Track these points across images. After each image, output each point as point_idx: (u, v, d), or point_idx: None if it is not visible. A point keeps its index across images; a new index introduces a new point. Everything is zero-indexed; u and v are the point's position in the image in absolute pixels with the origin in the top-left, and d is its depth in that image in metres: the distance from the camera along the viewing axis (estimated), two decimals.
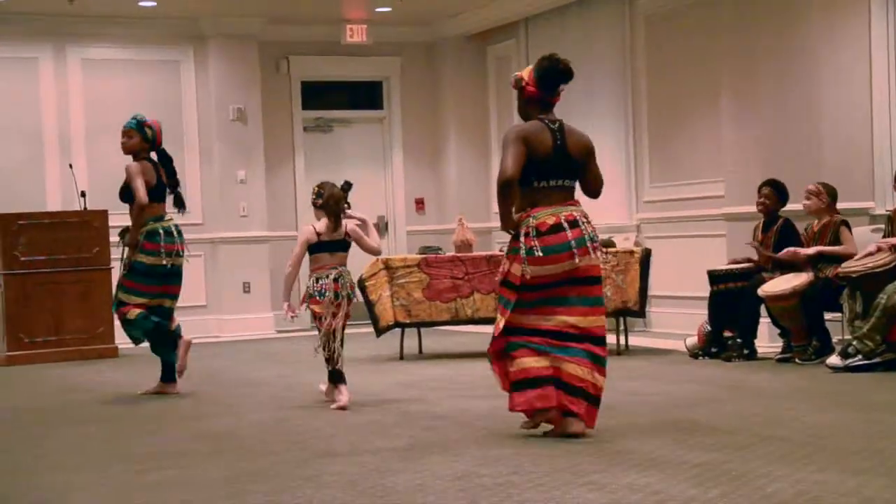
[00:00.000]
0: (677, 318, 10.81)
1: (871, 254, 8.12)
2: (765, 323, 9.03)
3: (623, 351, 9.77)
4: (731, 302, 8.98)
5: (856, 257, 8.24)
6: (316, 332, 7.34)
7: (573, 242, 5.67)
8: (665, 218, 11.45)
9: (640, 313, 9.97)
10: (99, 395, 8.38)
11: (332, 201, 7.23)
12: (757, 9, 9.86)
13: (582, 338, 5.70)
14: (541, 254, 5.63)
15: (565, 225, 5.69)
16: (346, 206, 7.32)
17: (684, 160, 11.25)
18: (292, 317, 7.32)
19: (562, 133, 5.90)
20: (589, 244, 5.71)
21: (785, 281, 8.57)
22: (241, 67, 13.50)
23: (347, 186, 7.44)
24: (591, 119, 12.45)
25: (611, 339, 10.07)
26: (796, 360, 8.54)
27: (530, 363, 5.69)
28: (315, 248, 7.25)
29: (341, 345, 7.26)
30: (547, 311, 5.72)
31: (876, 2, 9.70)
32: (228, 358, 10.67)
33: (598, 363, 5.73)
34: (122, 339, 11.52)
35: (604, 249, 6.00)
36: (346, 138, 14.46)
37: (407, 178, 14.49)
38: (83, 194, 11.18)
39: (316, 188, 7.38)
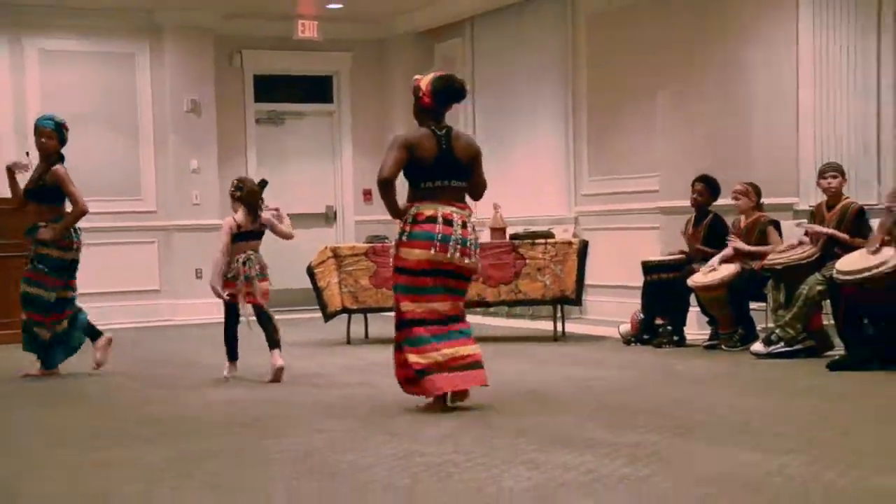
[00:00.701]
0: (612, 307, 10.88)
1: (793, 247, 8.22)
2: (694, 311, 9.09)
3: (560, 337, 9.81)
4: (663, 291, 9.04)
5: (779, 250, 8.33)
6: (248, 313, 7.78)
7: (439, 235, 5.99)
8: (602, 211, 11.50)
9: (577, 301, 9.99)
10: (46, 378, 8.29)
11: (250, 196, 7.72)
12: (693, 13, 9.93)
13: (456, 318, 6.16)
14: (406, 238, 6.06)
15: (439, 219, 6.01)
16: (261, 201, 7.79)
17: (621, 156, 11.30)
18: (228, 296, 7.77)
19: (448, 139, 6.13)
20: (471, 248, 6.11)
21: (713, 272, 8.61)
22: (196, 60, 13.39)
23: (263, 184, 7.90)
24: (534, 115, 12.53)
25: (548, 325, 10.21)
26: (723, 347, 8.60)
27: (435, 353, 6.02)
28: (235, 237, 7.70)
29: (269, 319, 7.75)
30: (444, 297, 6.10)
31: (804, 11, 9.79)
32: (179, 341, 10.60)
33: (470, 335, 6.20)
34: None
35: (477, 253, 6.23)
36: (298, 131, 14.41)
37: (356, 170, 14.46)
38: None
39: (236, 181, 7.86)
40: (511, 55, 12.85)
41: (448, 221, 6.02)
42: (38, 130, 8.36)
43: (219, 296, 7.76)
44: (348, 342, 9.95)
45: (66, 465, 5.00)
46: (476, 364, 6.12)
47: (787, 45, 9.75)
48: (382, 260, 9.80)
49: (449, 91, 6.18)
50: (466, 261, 6.08)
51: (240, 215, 7.73)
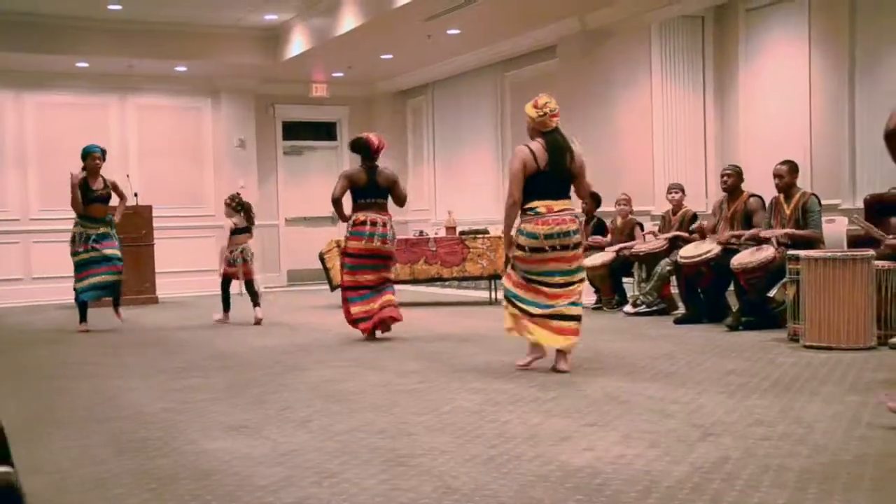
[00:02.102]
0: None
1: (655, 236, 8.30)
2: (586, 284, 9.03)
3: (493, 301, 9.83)
4: None
5: (641, 243, 8.40)
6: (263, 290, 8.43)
7: (367, 233, 6.74)
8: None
9: None
10: (141, 329, 8.22)
11: (244, 208, 8.48)
12: (578, 77, 9.97)
13: (380, 286, 6.87)
14: (350, 235, 6.82)
15: (368, 222, 6.75)
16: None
17: None
18: (227, 274, 8.46)
19: (374, 172, 6.89)
20: (388, 239, 6.80)
21: (598, 258, 8.67)
22: (243, 111, 13.28)
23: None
24: (475, 148, 12.54)
25: (485, 294, 10.23)
26: (604, 309, 8.63)
27: (365, 307, 6.81)
28: (233, 233, 8.42)
29: (254, 287, 8.49)
30: (371, 272, 6.80)
31: (655, 73, 9.84)
32: (233, 305, 10.52)
33: (391, 290, 6.93)
34: (161, 290, 11.42)
35: (393, 242, 6.91)
36: (312, 159, 14.31)
37: None
38: (136, 194, 10.97)
39: (234, 198, 8.47)
40: (460, 107, 12.84)
41: (374, 223, 6.73)
42: (92, 155, 8.08)
43: (221, 273, 8.48)
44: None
45: (156, 387, 4.97)
46: (390, 305, 6.77)
47: (644, 103, 9.80)
48: None
49: (354, 145, 7.05)
50: (384, 247, 6.79)
51: (236, 219, 8.39)
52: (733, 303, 7.19)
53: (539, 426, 3.76)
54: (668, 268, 7.80)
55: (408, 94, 14.10)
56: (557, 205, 5.06)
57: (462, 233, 10.10)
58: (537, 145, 5.10)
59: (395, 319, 6.79)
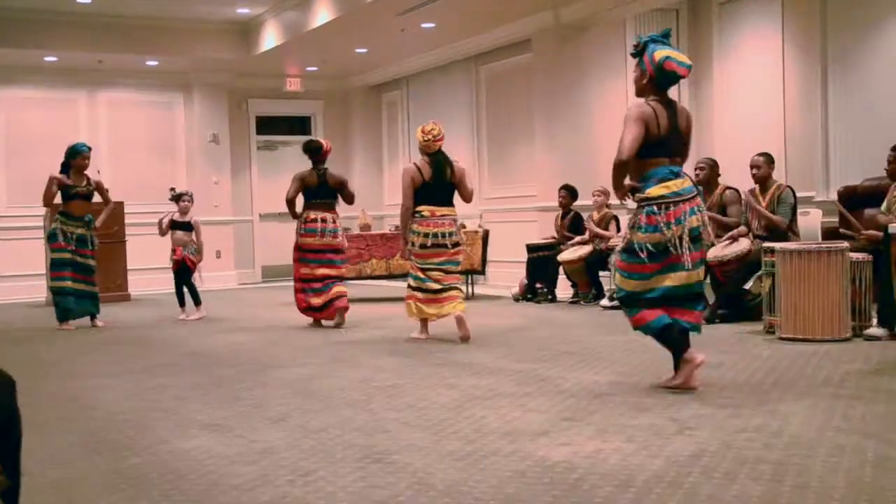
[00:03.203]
0: (506, 276, 10.88)
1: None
2: (562, 278, 9.14)
3: (470, 297, 9.82)
4: (541, 264, 9.09)
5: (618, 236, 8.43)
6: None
7: (319, 229, 7.45)
8: (498, 209, 11.51)
9: (482, 272, 10.04)
10: (118, 326, 8.14)
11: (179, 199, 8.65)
12: (554, 73, 9.96)
13: (335, 278, 7.51)
14: (303, 232, 7.48)
15: (319, 219, 7.45)
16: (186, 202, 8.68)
17: (511, 171, 11.33)
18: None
19: (324, 174, 7.57)
20: (337, 234, 7.51)
21: (574, 251, 8.71)
22: (215, 106, 13.17)
23: (174, 192, 8.79)
24: (451, 142, 12.46)
25: (463, 288, 10.17)
26: (581, 303, 8.67)
27: (319, 298, 7.50)
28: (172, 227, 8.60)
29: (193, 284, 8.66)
30: (325, 266, 7.46)
31: (630, 66, 9.83)
32: (206, 302, 10.44)
33: (341, 282, 7.58)
34: (133, 287, 11.32)
35: (342, 236, 7.60)
36: (286, 154, 14.23)
37: None
38: (107, 190, 10.79)
39: (184, 193, 8.69)
40: (435, 101, 12.82)
41: (324, 220, 7.47)
42: (82, 155, 8.04)
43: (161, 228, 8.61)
44: None
45: (129, 386, 4.93)
46: (340, 297, 7.48)
47: (619, 97, 9.80)
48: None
49: (309, 148, 7.72)
50: (335, 241, 7.48)
51: (177, 215, 8.62)
52: (709, 295, 7.23)
53: (516, 421, 3.76)
54: None
55: (383, 88, 14.06)
56: (440, 210, 6.39)
57: None
58: (423, 163, 6.44)
59: (345, 308, 7.54)
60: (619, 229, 8.64)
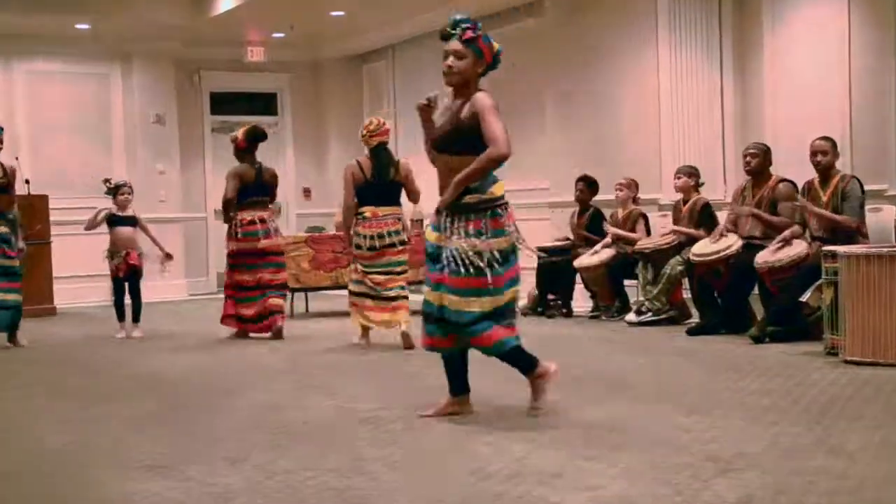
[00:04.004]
0: None
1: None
2: (579, 288, 9.14)
3: None
4: (554, 272, 9.09)
5: (650, 238, 8.45)
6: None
7: (260, 231, 7.96)
8: None
9: None
10: (43, 345, 8.13)
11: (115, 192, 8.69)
12: (571, 42, 9.98)
13: (271, 286, 7.99)
14: (240, 237, 7.96)
15: (257, 220, 7.98)
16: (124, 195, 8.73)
17: (518, 160, 11.09)
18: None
19: (260, 170, 8.16)
20: (273, 233, 8.07)
21: (594, 255, 8.70)
22: (160, 80, 13.15)
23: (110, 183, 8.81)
24: None
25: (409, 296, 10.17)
26: (602, 318, 8.67)
27: (252, 309, 8.01)
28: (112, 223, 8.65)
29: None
30: (264, 270, 7.98)
31: (662, 36, 9.87)
32: (150, 316, 10.43)
33: (283, 294, 8.23)
34: (60, 299, 11.30)
35: (280, 234, 8.30)
36: None
37: (297, 172, 14.34)
38: (27, 182, 10.83)
39: (115, 183, 8.79)
40: (426, 74, 12.82)
41: (262, 221, 7.99)
42: None
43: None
44: (291, 315, 9.85)
45: (61, 417, 4.91)
46: (278, 311, 8.04)
47: (649, 69, 9.77)
48: (319, 247, 9.78)
49: (260, 136, 8.30)
50: (275, 241, 8.08)
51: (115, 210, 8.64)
52: (758, 309, 7.25)
53: (523, 460, 3.76)
54: (679, 268, 7.85)
55: (364, 58, 14.08)
56: (382, 210, 7.15)
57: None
58: (365, 159, 7.25)
59: (280, 328, 8.02)
60: (648, 230, 8.66)
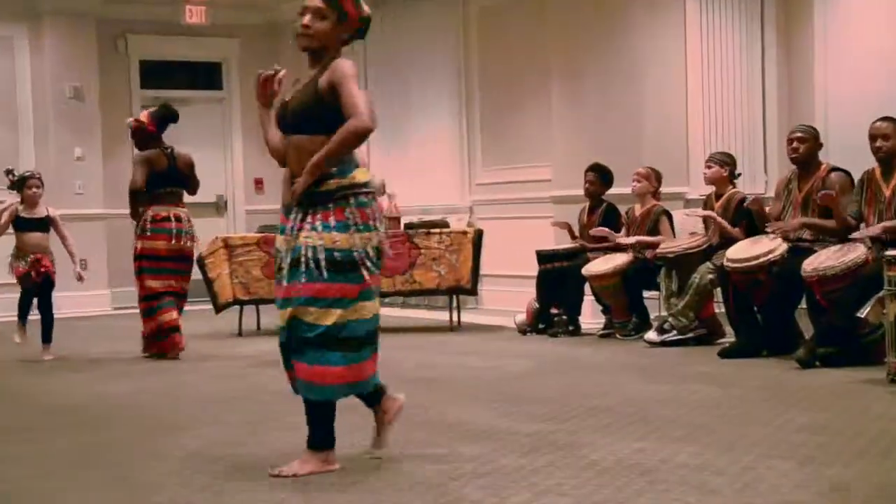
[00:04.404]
0: (507, 296, 10.89)
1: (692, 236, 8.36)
2: (589, 300, 9.15)
3: (455, 327, 9.85)
4: (558, 280, 9.09)
5: (674, 240, 8.48)
6: None
7: (173, 230, 8.23)
8: (496, 200, 11.57)
9: (473, 291, 10.02)
10: None
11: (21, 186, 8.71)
12: (582, 4, 10.02)
13: (176, 294, 8.35)
14: (150, 233, 8.21)
15: (172, 217, 8.25)
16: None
17: (515, 145, 11.37)
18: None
19: (173, 156, 8.43)
20: (185, 236, 8.31)
21: (607, 261, 8.74)
22: (78, 45, 13.12)
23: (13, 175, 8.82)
24: (427, 103, 12.55)
25: (444, 315, 10.25)
26: (617, 336, 8.69)
27: (168, 318, 8.28)
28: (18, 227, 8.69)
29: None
30: (174, 276, 8.31)
31: (690, 3, 9.93)
32: (68, 335, 10.40)
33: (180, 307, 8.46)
34: None
35: (197, 240, 8.59)
36: (186, 118, 14.06)
37: (246, 159, 14.33)
38: None
39: (21, 174, 8.81)
40: (403, 43, 12.85)
41: (178, 219, 8.30)
42: None
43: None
44: (240, 334, 9.88)
45: None
46: (175, 329, 8.32)
47: (675, 36, 9.88)
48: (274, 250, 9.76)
49: (172, 117, 8.57)
50: (188, 246, 8.38)
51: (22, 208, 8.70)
52: (806, 327, 7.29)
53: None
54: (709, 276, 7.88)
55: None
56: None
57: (409, 226, 10.12)
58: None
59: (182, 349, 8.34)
60: (673, 231, 8.70)
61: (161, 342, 8.30)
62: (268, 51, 14.34)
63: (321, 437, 4.45)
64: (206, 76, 14.42)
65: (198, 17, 13.56)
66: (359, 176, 4.40)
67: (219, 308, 9.85)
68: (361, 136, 4.32)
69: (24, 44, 13.03)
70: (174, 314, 8.32)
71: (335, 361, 4.33)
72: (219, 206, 14.29)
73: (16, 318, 8.74)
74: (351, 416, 4.78)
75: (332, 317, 4.30)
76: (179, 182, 8.47)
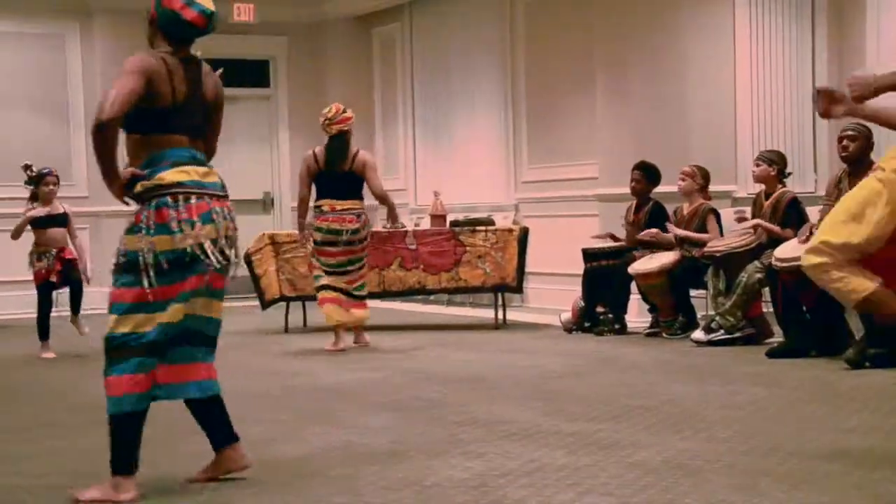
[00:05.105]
0: (553, 294, 10.89)
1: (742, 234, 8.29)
2: (635, 299, 9.14)
3: (501, 325, 9.85)
4: (604, 279, 9.07)
5: (722, 238, 8.42)
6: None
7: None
8: (542, 198, 11.54)
9: (518, 289, 10.05)
10: None
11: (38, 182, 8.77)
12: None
13: None
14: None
15: None
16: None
17: (561, 142, 11.34)
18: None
19: None
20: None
21: (653, 259, 8.71)
22: (128, 42, 13.16)
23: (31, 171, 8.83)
24: (473, 100, 12.55)
25: (489, 313, 10.24)
26: (663, 335, 8.67)
27: None
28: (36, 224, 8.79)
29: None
30: None
31: None
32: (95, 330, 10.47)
33: None
34: None
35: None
36: (233, 115, 14.23)
37: (293, 156, 14.34)
38: None
39: (39, 170, 8.82)
40: (450, 40, 12.85)
41: None
42: None
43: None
44: (286, 331, 9.92)
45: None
46: None
47: (724, 32, 9.81)
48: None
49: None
50: None
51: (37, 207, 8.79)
52: (856, 327, 7.21)
53: None
54: (758, 275, 7.83)
55: (374, 19, 14.11)
56: (340, 204, 8.27)
57: (454, 224, 10.11)
58: (321, 149, 8.46)
59: None
60: (721, 229, 8.63)
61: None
62: (315, 48, 14.43)
63: (114, 458, 4.12)
64: (253, 72, 14.46)
65: (246, 14, 13.61)
66: (169, 177, 4.14)
67: (265, 304, 9.90)
68: (94, 130, 4.05)
69: (76, 41, 13.17)
70: None
71: (119, 371, 4.10)
72: (265, 204, 14.35)
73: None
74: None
75: (113, 323, 4.11)
76: None
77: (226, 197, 4.35)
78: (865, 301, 4.42)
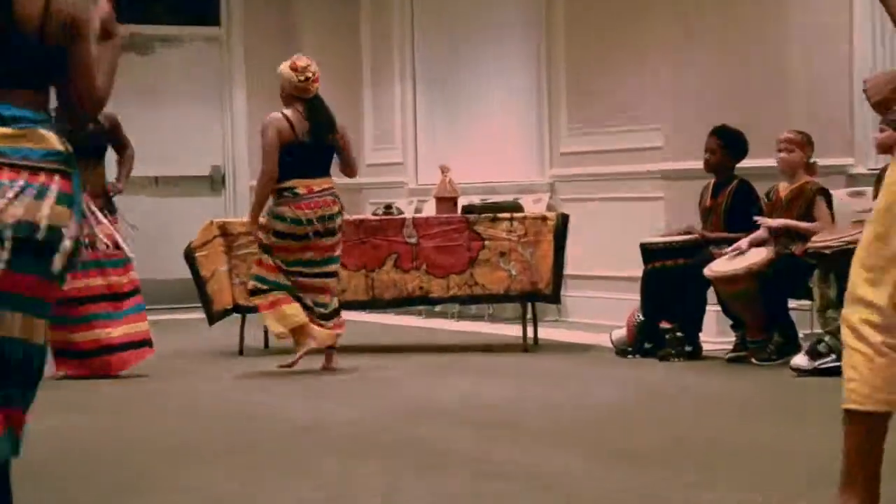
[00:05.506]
0: (601, 305, 10.92)
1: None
2: (713, 312, 9.16)
3: (531, 346, 9.83)
4: (671, 284, 9.07)
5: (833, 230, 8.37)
6: None
7: None
8: (586, 175, 11.58)
9: (555, 298, 9.96)
10: None
11: None
12: None
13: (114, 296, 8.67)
14: None
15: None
16: None
17: (611, 102, 11.33)
18: None
19: None
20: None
21: (737, 259, 8.65)
22: None
23: None
24: (495, 53, 12.62)
25: (515, 330, 10.22)
26: (752, 361, 8.65)
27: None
28: None
29: None
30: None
31: None
32: None
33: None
34: None
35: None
36: (171, 62, 14.27)
37: (252, 119, 14.29)
38: None
39: None
40: None
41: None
42: None
43: None
44: (241, 352, 9.85)
45: None
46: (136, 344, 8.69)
47: None
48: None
49: None
50: None
51: None
52: None
53: None
54: None
55: None
56: (317, 184, 8.38)
57: (469, 209, 10.10)
58: (295, 113, 8.38)
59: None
60: (833, 217, 8.60)
61: (86, 361, 8.61)
62: None
63: None
64: (196, 5, 14.48)
65: None
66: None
67: (213, 318, 9.82)
68: None
69: None
70: (111, 332, 8.59)
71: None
72: (214, 182, 14.33)
73: None
74: None
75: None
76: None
77: (40, 169, 3.77)
78: None
